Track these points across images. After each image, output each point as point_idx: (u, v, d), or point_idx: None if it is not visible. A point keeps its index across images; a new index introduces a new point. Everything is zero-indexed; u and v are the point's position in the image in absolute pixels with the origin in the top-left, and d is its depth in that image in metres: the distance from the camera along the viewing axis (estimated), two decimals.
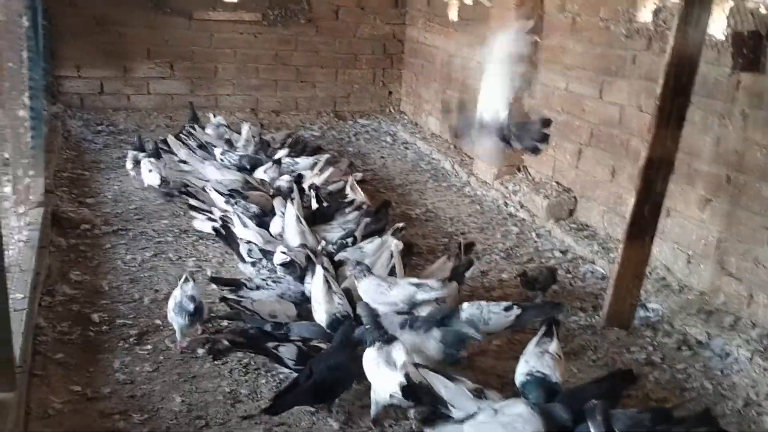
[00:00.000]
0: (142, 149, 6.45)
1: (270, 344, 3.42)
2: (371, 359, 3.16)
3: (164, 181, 5.90)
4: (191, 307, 3.69)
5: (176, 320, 3.72)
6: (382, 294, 3.86)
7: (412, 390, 2.97)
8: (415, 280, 3.99)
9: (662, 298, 4.49)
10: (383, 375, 3.08)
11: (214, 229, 4.84)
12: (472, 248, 4.62)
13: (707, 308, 4.31)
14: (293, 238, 4.68)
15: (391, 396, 3.04)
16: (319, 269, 3.93)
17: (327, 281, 3.87)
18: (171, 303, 3.77)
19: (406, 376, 2.98)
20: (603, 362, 3.91)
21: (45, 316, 3.98)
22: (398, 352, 3.11)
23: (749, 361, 3.79)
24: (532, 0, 6.22)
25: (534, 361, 3.26)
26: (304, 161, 6.46)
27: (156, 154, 6.18)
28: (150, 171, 5.94)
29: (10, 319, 2.95)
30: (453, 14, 8.05)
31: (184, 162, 6.40)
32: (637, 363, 3.87)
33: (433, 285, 3.87)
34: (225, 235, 4.69)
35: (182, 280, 3.83)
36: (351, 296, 3.94)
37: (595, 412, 2.75)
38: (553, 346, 3.35)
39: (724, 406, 3.54)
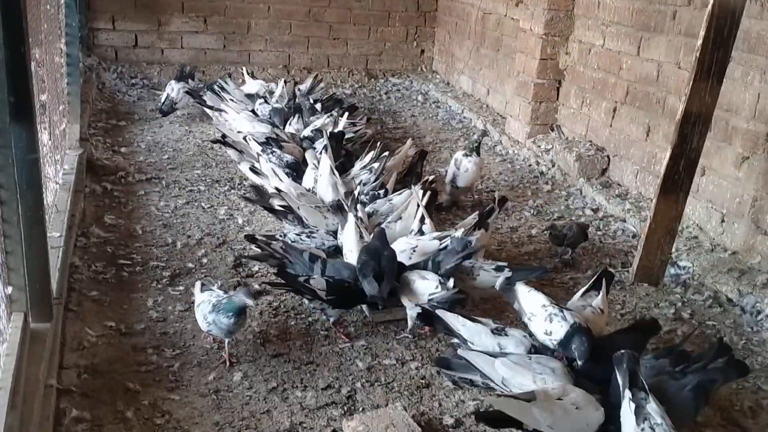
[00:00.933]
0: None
1: (301, 278, 3.47)
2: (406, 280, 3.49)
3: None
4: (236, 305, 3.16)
5: (220, 322, 3.15)
6: (409, 257, 3.87)
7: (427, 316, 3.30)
8: (438, 234, 4.01)
9: (694, 257, 4.44)
10: (421, 286, 3.46)
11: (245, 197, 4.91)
12: (505, 203, 4.60)
13: (740, 267, 4.25)
14: (326, 190, 4.68)
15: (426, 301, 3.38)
16: (350, 217, 3.96)
17: (358, 229, 3.90)
18: (204, 309, 3.20)
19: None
20: (631, 317, 3.89)
21: (80, 256, 4.07)
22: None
23: None
24: None
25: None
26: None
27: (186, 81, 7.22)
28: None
29: (49, 256, 3.02)
30: None
31: (220, 110, 6.46)
32: (665, 318, 3.85)
33: (457, 236, 3.87)
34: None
35: (197, 286, 3.44)
36: None
37: (622, 361, 2.74)
38: (598, 300, 3.35)
39: (753, 360, 3.51)
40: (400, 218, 4.29)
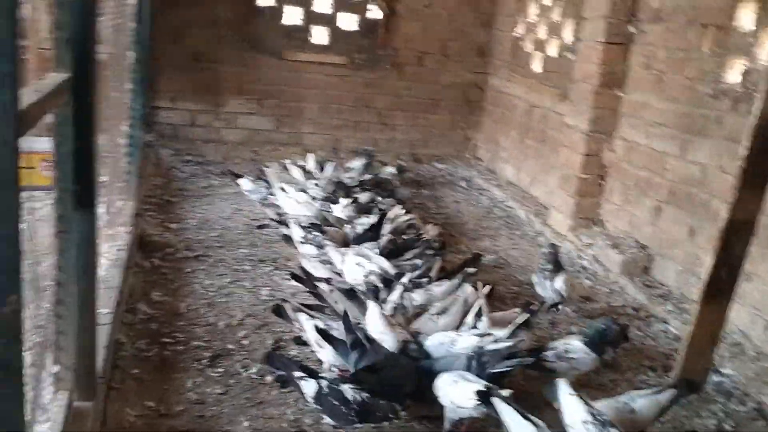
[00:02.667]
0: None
1: (296, 374, 3.51)
2: (447, 381, 3.42)
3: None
4: None
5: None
6: (447, 349, 3.88)
7: (487, 395, 3.21)
8: (479, 331, 4.01)
9: (737, 364, 4.36)
10: (461, 388, 3.36)
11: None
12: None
13: None
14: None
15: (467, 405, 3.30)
16: (371, 304, 4.01)
17: (382, 315, 3.95)
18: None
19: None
20: (671, 425, 3.81)
21: (125, 332, 4.18)
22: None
23: None
24: (616, 55, 6.24)
25: None
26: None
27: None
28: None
29: (96, 336, 3.14)
30: (537, 66, 8.13)
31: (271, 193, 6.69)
32: (707, 429, 3.76)
33: (499, 334, 3.87)
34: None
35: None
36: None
37: None
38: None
39: None
40: (445, 311, 4.29)
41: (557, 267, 5.02)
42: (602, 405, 3.40)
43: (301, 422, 3.52)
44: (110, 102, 4.59)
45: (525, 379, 4.07)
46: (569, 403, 3.24)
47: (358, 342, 3.69)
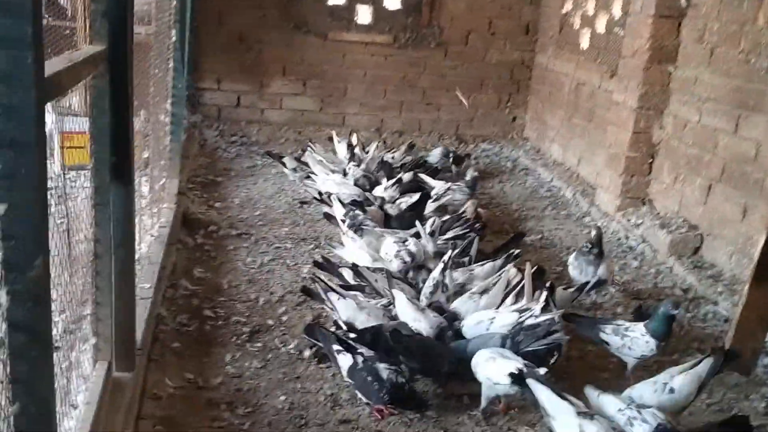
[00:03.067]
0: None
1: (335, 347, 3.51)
2: (484, 357, 3.39)
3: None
4: None
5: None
6: (486, 329, 3.83)
7: (521, 377, 3.17)
8: (518, 306, 3.94)
9: None
10: (498, 364, 3.33)
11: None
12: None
13: None
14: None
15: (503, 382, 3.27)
16: (397, 293, 3.99)
17: (410, 301, 3.92)
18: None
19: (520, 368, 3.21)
20: (718, 407, 3.69)
21: (167, 307, 4.24)
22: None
23: None
24: (667, 29, 6.03)
25: None
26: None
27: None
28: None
29: (135, 308, 3.18)
30: (584, 42, 7.93)
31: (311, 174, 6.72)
32: (756, 412, 3.63)
33: (537, 311, 3.79)
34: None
35: None
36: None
37: None
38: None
39: None
40: (486, 291, 4.23)
41: (601, 252, 4.84)
42: (640, 387, 3.31)
43: (338, 397, 3.51)
44: (152, 80, 4.63)
45: (579, 350, 4.07)
46: (603, 402, 3.16)
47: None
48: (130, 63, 2.81)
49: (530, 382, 3.13)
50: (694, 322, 4.69)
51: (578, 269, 4.84)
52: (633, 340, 3.73)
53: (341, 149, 7.58)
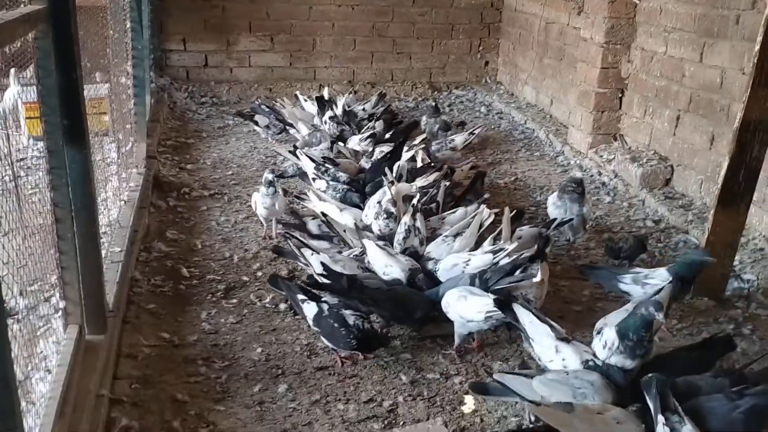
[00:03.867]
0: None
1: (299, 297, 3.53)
2: (455, 296, 3.45)
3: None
4: None
5: None
6: (460, 271, 3.84)
7: (503, 303, 3.18)
8: (492, 247, 3.96)
9: (759, 269, 4.27)
10: (470, 302, 3.39)
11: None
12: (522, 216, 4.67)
13: None
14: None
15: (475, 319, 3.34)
16: (367, 242, 4.00)
17: (381, 248, 3.94)
18: None
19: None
20: (688, 332, 3.77)
21: (141, 270, 4.24)
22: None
23: None
24: None
25: None
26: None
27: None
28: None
29: (103, 271, 3.18)
30: None
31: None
32: (725, 334, 3.70)
33: (510, 248, 3.81)
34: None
35: None
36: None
37: (651, 386, 2.64)
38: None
39: None
40: (460, 234, 4.24)
41: (584, 190, 4.76)
42: (613, 317, 3.36)
43: (314, 346, 3.55)
44: (110, 42, 4.55)
45: (552, 285, 4.10)
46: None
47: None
48: (74, 22, 2.75)
49: (515, 306, 3.15)
50: (665, 251, 4.74)
51: (562, 208, 4.75)
52: (655, 287, 3.62)
53: (309, 106, 7.48)
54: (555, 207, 4.82)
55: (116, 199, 4.51)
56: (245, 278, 4.26)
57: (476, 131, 6.64)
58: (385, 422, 3.02)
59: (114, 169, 4.74)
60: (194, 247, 4.67)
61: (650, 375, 2.63)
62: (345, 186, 5.12)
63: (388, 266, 3.84)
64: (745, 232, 4.27)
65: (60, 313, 2.94)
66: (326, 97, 7.45)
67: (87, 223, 2.95)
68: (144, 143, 5.50)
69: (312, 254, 3.97)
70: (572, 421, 2.54)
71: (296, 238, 4.21)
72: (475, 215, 4.34)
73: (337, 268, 3.88)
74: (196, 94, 8.59)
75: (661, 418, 2.47)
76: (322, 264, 3.80)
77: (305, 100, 7.61)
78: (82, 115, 2.85)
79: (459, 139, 6.44)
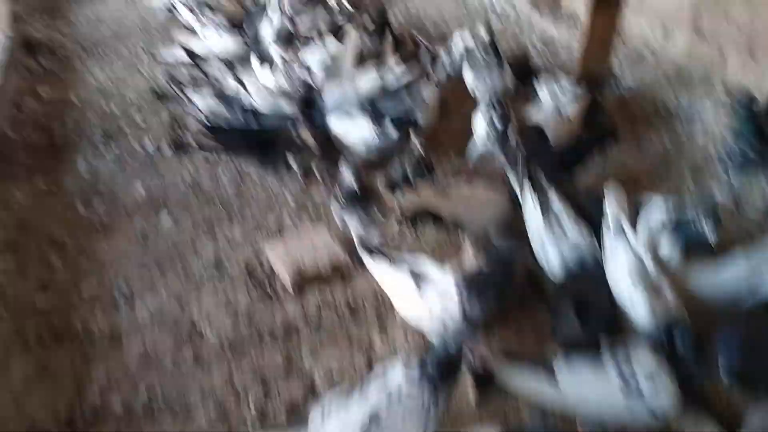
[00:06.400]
0: None
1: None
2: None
3: None
4: None
5: None
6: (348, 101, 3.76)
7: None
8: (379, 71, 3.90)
9: (636, 71, 4.37)
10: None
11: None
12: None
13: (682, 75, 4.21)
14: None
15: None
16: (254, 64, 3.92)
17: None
18: None
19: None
20: None
21: (12, 127, 4.03)
22: None
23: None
24: None
25: None
26: None
27: None
28: None
29: None
30: None
31: None
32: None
33: (396, 68, 3.76)
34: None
35: None
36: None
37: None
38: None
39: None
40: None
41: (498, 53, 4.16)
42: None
43: (199, 181, 3.50)
44: None
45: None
46: None
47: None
48: None
49: (363, 257, 2.59)
50: (552, 60, 4.81)
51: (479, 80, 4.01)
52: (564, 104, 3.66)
53: None
54: (471, 80, 4.07)
55: None
56: (126, 128, 4.10)
57: None
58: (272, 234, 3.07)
59: None
60: (70, 102, 4.44)
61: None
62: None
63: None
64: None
65: None
66: None
67: None
68: (6, 5, 5.08)
69: (194, 92, 3.87)
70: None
71: (177, 80, 4.06)
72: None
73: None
74: None
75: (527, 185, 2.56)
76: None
77: None
78: None
79: None
